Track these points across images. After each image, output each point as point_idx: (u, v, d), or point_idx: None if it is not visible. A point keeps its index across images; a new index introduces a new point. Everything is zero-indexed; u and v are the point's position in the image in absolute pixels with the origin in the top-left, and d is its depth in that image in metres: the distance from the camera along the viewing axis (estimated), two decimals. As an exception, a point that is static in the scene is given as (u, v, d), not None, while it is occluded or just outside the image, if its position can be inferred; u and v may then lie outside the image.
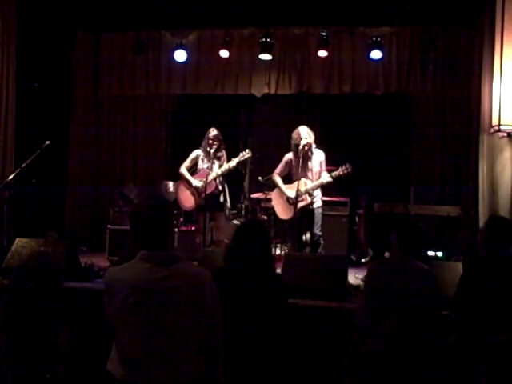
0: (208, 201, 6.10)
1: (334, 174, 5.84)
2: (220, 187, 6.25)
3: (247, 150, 6.21)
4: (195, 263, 5.01)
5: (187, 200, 6.38)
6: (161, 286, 2.18)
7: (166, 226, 2.30)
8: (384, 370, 3.10)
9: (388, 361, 3.10)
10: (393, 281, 3.18)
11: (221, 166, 6.18)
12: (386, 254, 5.00)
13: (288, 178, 6.23)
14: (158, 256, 2.23)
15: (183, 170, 6.38)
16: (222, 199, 6.32)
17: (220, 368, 2.29)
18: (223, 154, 6.28)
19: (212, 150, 6.16)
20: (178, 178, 6.54)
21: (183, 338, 2.17)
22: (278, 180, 6.17)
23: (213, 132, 6.23)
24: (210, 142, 6.18)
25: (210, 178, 6.09)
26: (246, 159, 6.22)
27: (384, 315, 3.14)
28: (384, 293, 3.17)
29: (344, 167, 5.81)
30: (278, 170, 6.19)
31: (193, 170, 6.40)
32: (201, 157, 6.29)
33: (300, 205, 5.88)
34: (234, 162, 6.14)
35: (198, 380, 2.21)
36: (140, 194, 7.59)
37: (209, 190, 6.08)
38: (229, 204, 6.55)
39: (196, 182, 6.27)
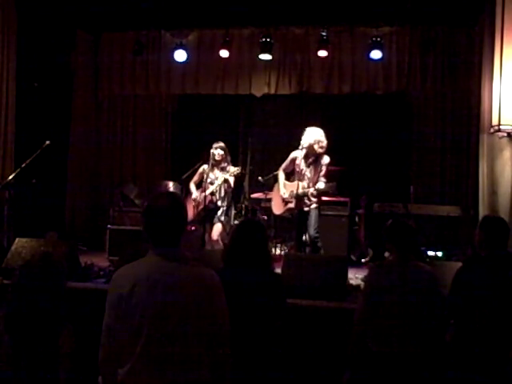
0: (205, 212, 6.15)
1: (318, 187, 5.64)
2: (220, 203, 6.24)
3: (238, 167, 6.24)
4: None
5: (189, 212, 6.42)
6: (170, 279, 2.17)
7: (181, 224, 2.31)
8: (383, 371, 3.11)
9: (387, 362, 3.10)
10: (393, 281, 3.19)
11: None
12: (386, 254, 4.99)
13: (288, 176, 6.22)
14: (169, 252, 2.25)
15: (191, 184, 6.44)
16: (220, 214, 6.26)
17: (227, 374, 2.25)
18: (229, 166, 6.25)
19: (212, 161, 6.18)
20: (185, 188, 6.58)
21: (188, 337, 2.15)
22: (281, 176, 6.14)
23: (215, 145, 6.23)
24: (212, 154, 6.19)
25: (195, 194, 6.23)
26: (236, 174, 6.21)
27: (384, 316, 3.15)
28: (384, 294, 3.17)
29: (330, 184, 5.71)
30: (283, 166, 6.15)
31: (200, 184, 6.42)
32: (206, 171, 6.28)
33: (288, 206, 5.95)
34: (222, 178, 6.15)
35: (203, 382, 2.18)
36: (140, 193, 7.58)
37: (203, 204, 6.12)
38: (231, 221, 6.47)
39: (194, 195, 6.31)
